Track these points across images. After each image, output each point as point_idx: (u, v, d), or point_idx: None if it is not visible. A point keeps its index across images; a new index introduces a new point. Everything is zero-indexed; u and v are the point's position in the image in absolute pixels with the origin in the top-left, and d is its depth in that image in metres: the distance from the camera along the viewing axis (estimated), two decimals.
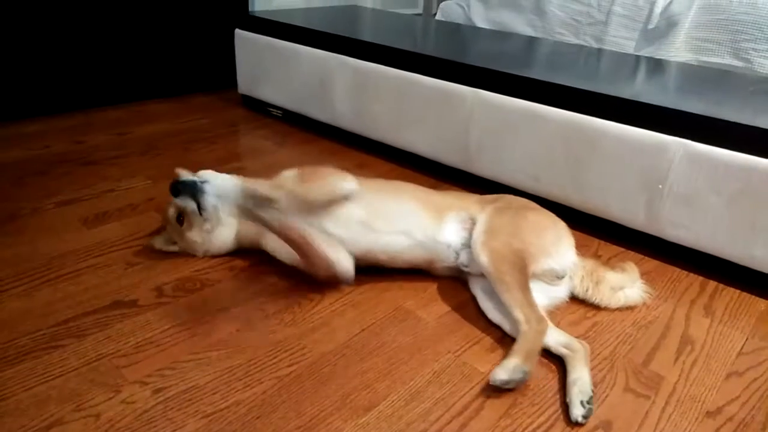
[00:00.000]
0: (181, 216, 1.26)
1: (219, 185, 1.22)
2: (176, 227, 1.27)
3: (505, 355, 1.03)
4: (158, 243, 1.32)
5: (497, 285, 1.10)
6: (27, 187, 1.61)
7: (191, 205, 1.23)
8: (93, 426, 0.86)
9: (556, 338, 1.07)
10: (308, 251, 1.14)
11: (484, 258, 1.13)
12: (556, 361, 1.06)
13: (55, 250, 1.31)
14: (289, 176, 1.25)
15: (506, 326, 1.13)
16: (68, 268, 1.24)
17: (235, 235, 1.30)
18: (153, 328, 1.08)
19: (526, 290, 1.09)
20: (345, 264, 1.19)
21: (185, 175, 1.26)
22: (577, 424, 0.92)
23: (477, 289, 1.22)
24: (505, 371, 0.97)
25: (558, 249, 1.21)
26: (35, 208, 1.49)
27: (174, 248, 1.32)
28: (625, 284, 1.25)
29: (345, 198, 1.22)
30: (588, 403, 0.94)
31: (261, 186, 1.14)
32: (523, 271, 1.11)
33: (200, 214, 1.24)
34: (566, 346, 1.05)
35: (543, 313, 1.08)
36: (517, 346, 1.01)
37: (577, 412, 0.93)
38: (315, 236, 1.14)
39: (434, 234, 1.23)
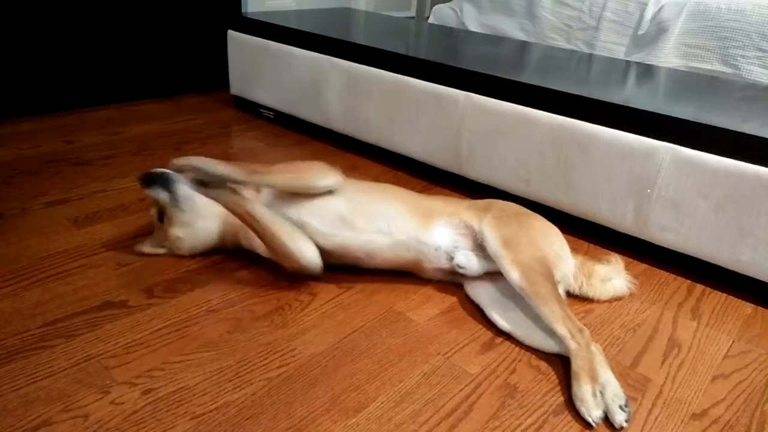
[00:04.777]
0: (162, 212, 1.25)
1: (183, 163, 1.23)
2: (159, 226, 1.27)
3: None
4: (146, 247, 1.31)
5: (533, 299, 1.08)
6: (16, 187, 1.60)
7: (163, 195, 1.23)
8: (81, 427, 0.86)
9: None
10: (266, 238, 1.15)
11: (515, 274, 1.11)
12: (546, 363, 1.07)
13: (44, 250, 1.30)
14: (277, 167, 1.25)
15: (518, 333, 1.12)
16: (58, 269, 1.24)
17: (218, 228, 1.27)
18: (143, 329, 1.07)
19: (561, 301, 1.08)
20: (308, 255, 1.17)
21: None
22: (621, 429, 0.92)
23: (480, 296, 1.21)
24: (595, 406, 0.94)
25: (566, 252, 1.22)
26: (25, 208, 1.48)
27: (162, 251, 1.31)
28: (612, 275, 1.28)
29: (327, 192, 1.21)
30: (626, 406, 0.95)
31: (226, 166, 1.17)
32: (553, 281, 1.10)
33: (176, 204, 1.23)
34: None
35: None
36: (577, 368, 0.99)
37: (620, 417, 0.93)
38: (273, 224, 1.14)
39: (417, 235, 1.21)
